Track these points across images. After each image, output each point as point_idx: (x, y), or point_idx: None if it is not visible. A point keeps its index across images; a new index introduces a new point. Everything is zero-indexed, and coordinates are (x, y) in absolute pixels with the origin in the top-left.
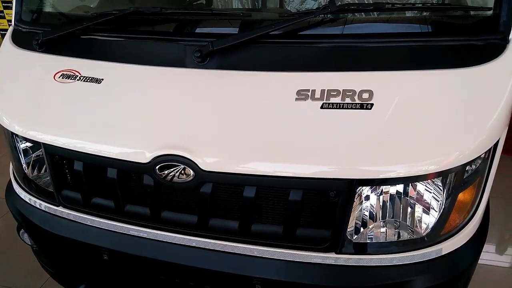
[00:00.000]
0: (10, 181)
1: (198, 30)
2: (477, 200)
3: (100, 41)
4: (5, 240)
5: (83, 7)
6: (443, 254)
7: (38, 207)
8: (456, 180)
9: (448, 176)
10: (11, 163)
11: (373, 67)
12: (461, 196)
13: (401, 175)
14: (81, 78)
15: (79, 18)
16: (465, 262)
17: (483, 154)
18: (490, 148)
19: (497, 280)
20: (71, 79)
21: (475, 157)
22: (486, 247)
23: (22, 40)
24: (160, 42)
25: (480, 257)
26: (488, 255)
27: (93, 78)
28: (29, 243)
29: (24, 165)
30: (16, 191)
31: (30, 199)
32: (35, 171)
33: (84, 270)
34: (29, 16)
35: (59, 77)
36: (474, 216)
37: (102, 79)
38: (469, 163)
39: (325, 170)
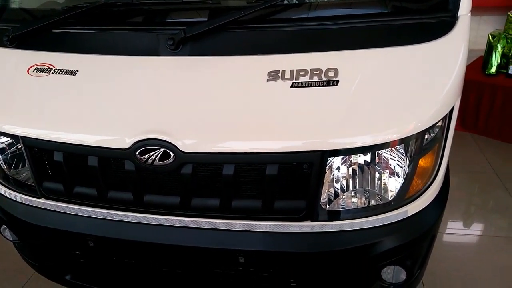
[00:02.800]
0: None
1: (169, 19)
2: (437, 165)
3: (73, 34)
4: None
5: (51, 2)
6: (409, 215)
7: (19, 201)
8: (417, 147)
9: (410, 143)
10: None
11: (337, 47)
12: (422, 161)
13: (367, 144)
14: (56, 71)
15: (49, 13)
16: (429, 221)
17: (440, 122)
18: (446, 116)
19: (465, 251)
20: (45, 72)
21: (432, 123)
22: (453, 222)
23: None
24: (133, 32)
25: (449, 232)
26: (456, 230)
27: (68, 70)
28: (11, 239)
29: (1, 161)
30: None
31: (10, 193)
32: (13, 166)
33: (69, 260)
34: None
35: (33, 71)
36: (435, 180)
37: (77, 71)
38: (428, 129)
39: (298, 144)
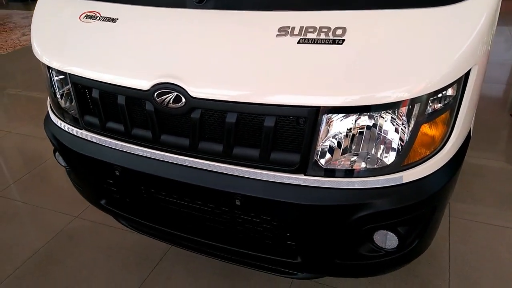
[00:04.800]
0: (47, 112)
1: None
2: (446, 136)
3: None
4: (54, 174)
5: None
6: (404, 182)
7: (67, 130)
8: (420, 112)
9: (411, 107)
10: (48, 97)
11: (351, 6)
12: (426, 129)
13: (361, 103)
14: (101, 18)
15: None
16: (427, 191)
17: (451, 90)
18: (460, 82)
19: None
20: (92, 19)
21: (440, 87)
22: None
23: None
24: None
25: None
26: None
27: (110, 18)
28: (63, 164)
29: (58, 96)
30: (52, 119)
31: (61, 123)
32: (67, 101)
33: (103, 186)
34: None
35: (83, 18)
36: (441, 151)
37: (117, 19)
38: (434, 94)
39: (294, 98)
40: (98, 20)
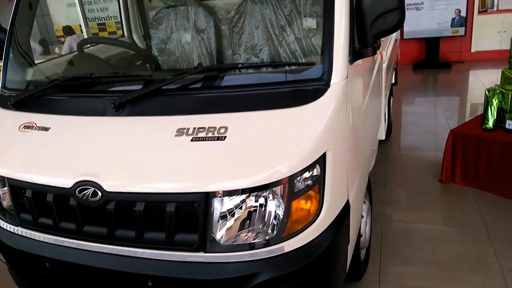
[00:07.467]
0: None
1: (116, 88)
2: (317, 209)
3: (50, 100)
4: None
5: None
6: (286, 251)
7: (5, 228)
8: (293, 189)
9: (286, 185)
10: None
11: (232, 110)
12: (297, 204)
13: (243, 186)
14: (36, 127)
15: (39, 84)
16: (305, 258)
17: (315, 170)
18: (321, 164)
19: None
20: (29, 129)
21: (305, 166)
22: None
23: (4, 102)
24: (89, 98)
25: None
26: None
27: (44, 127)
28: (4, 261)
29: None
30: None
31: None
32: (7, 201)
33: (39, 278)
34: (10, 84)
35: (22, 128)
36: (315, 222)
37: (50, 127)
38: (302, 172)
39: (187, 186)
40: (34, 129)
